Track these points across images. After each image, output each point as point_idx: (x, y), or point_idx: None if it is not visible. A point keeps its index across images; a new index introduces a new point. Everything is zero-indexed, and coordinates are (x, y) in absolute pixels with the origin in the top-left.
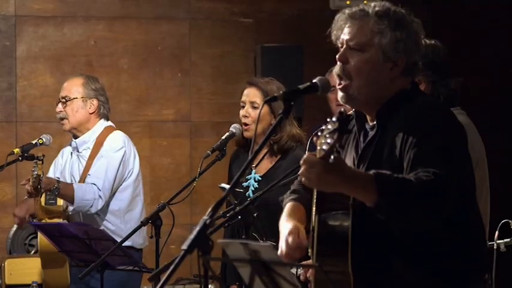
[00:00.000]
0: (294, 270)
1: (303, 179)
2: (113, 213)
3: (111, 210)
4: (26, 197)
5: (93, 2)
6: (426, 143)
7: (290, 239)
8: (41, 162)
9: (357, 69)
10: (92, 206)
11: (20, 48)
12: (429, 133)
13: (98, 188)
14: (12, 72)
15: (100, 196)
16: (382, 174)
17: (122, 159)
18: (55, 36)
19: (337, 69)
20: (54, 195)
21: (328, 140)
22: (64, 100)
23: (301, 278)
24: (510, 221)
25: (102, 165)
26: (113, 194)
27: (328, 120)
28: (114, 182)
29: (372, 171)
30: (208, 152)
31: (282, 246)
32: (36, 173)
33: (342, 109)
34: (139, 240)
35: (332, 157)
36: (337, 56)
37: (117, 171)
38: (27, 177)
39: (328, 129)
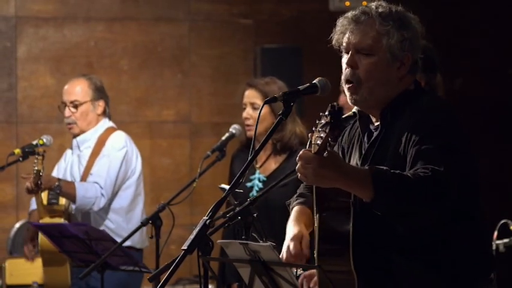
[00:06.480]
0: (293, 270)
1: (299, 175)
2: (115, 211)
3: (113, 209)
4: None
5: (93, 3)
6: (428, 142)
7: (291, 246)
8: (41, 157)
9: (367, 73)
10: (94, 204)
11: (20, 49)
12: (431, 132)
13: (100, 186)
14: (12, 73)
15: (102, 194)
16: (378, 169)
17: (124, 158)
18: (55, 37)
19: (346, 74)
20: (56, 194)
21: (322, 134)
22: (73, 105)
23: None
24: (509, 221)
25: (104, 164)
26: (115, 193)
27: (321, 114)
28: (116, 181)
29: (368, 167)
30: (208, 152)
31: (284, 251)
32: (36, 168)
33: (334, 103)
34: (139, 239)
35: (326, 151)
36: (345, 62)
37: (119, 170)
38: (28, 173)
39: (321, 123)
